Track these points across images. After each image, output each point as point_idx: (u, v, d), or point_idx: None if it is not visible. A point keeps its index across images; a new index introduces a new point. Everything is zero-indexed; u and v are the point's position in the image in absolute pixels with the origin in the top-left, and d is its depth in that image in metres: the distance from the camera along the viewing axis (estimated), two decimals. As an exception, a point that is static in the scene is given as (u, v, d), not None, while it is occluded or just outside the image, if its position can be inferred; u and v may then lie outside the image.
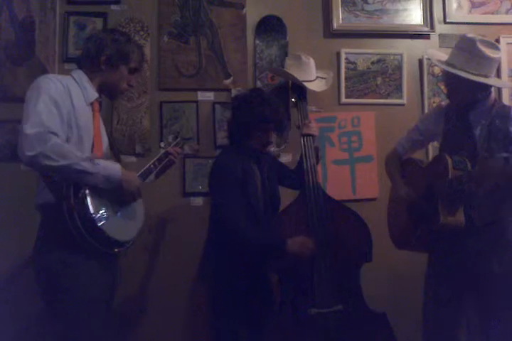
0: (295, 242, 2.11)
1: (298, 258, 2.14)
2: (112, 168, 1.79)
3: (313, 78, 2.64)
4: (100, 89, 1.93)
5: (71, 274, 1.76)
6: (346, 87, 2.88)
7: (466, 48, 2.03)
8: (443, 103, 2.35)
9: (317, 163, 2.45)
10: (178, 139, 2.31)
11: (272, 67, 2.81)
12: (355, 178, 2.85)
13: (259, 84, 2.82)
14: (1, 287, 2.60)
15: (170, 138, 2.29)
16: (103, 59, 1.90)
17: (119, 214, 1.83)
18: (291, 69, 2.59)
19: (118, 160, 2.00)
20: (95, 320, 1.79)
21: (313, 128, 2.46)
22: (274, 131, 2.20)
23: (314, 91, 2.63)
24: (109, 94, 1.98)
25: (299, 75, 2.56)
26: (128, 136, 2.72)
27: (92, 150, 1.84)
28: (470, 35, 2.07)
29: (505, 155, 1.75)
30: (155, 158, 2.09)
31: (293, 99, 2.55)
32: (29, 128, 1.67)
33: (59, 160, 1.67)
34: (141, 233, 1.95)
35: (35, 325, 2.51)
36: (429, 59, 2.87)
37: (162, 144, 2.22)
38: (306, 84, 2.58)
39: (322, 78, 2.70)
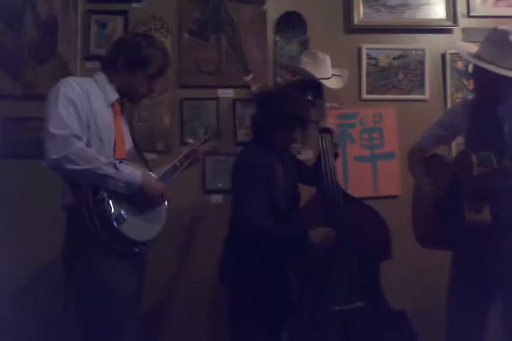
0: (317, 232, 2.10)
1: (321, 247, 2.11)
2: (134, 174, 1.80)
3: (330, 76, 2.61)
4: (120, 92, 1.93)
5: (97, 274, 1.79)
6: (367, 82, 2.85)
7: (498, 41, 1.97)
8: (469, 97, 2.30)
9: (335, 159, 2.42)
10: (207, 135, 2.31)
11: (287, 64, 2.78)
12: (377, 175, 2.82)
13: (279, 80, 2.80)
14: (28, 283, 2.65)
15: (201, 134, 2.30)
16: (121, 62, 1.91)
17: (140, 215, 1.84)
18: (308, 66, 2.56)
19: (144, 160, 2.01)
20: (124, 318, 1.82)
21: (331, 124, 2.43)
22: (299, 129, 2.18)
23: (331, 88, 2.60)
24: (128, 97, 1.98)
25: (316, 73, 2.54)
26: (148, 133, 2.73)
27: (114, 152, 1.86)
28: (502, 27, 2.01)
29: None
30: (182, 155, 2.09)
31: (309, 97, 2.52)
32: (54, 129, 1.72)
33: (82, 164, 1.71)
34: (162, 233, 1.95)
35: (60, 322, 2.56)
36: (452, 53, 2.83)
37: (191, 140, 2.22)
38: (323, 81, 2.55)
39: (337, 76, 2.67)
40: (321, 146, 2.39)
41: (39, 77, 2.69)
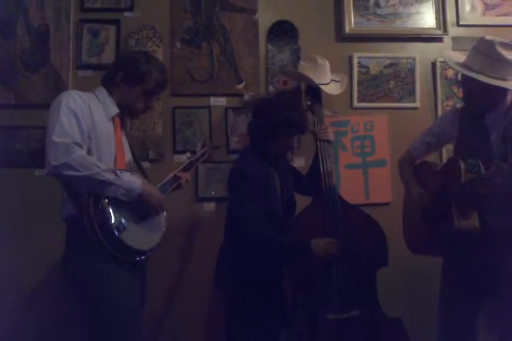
0: (320, 243, 2.08)
1: (325, 260, 2.11)
2: (134, 181, 1.82)
3: (328, 81, 2.61)
4: (119, 106, 1.96)
5: (100, 283, 1.80)
6: (359, 91, 2.87)
7: (485, 51, 1.99)
8: (458, 105, 2.32)
9: None
10: (206, 148, 2.33)
11: (286, 69, 2.79)
12: (368, 182, 2.84)
13: (271, 89, 2.81)
14: (29, 292, 2.65)
15: (198, 147, 2.32)
16: (119, 77, 1.94)
17: (140, 224, 1.86)
18: (306, 71, 2.55)
19: (143, 173, 2.03)
20: (127, 327, 1.83)
21: (330, 133, 2.45)
22: (297, 137, 2.19)
23: (328, 94, 2.60)
24: (126, 112, 2.00)
25: (314, 78, 2.53)
26: (141, 141, 2.73)
27: (114, 164, 1.88)
28: (489, 37, 2.03)
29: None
30: (180, 168, 2.12)
31: (308, 102, 2.52)
32: (56, 137, 1.74)
33: (82, 170, 1.72)
34: (162, 242, 1.97)
35: (62, 329, 2.58)
36: (442, 62, 2.85)
37: (188, 154, 2.24)
38: (322, 87, 2.54)
39: (336, 81, 2.67)
40: (320, 155, 2.39)
41: (31, 85, 2.69)
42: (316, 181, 2.36)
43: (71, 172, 1.72)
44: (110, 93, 1.95)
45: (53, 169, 1.73)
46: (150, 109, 2.10)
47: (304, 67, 2.58)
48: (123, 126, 2.02)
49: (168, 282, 2.72)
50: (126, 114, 2.02)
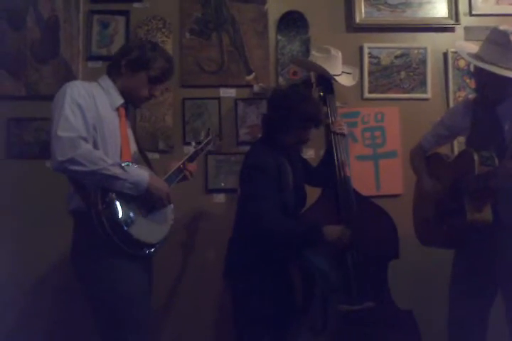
0: (334, 230, 2.08)
1: (337, 246, 2.11)
2: (141, 175, 1.82)
3: (340, 73, 2.59)
4: (123, 96, 1.95)
5: (109, 277, 1.81)
6: (369, 81, 2.84)
7: (498, 41, 1.97)
8: (470, 96, 2.30)
9: None
10: (210, 137, 2.32)
11: (299, 59, 2.75)
12: (379, 174, 2.82)
13: (281, 80, 2.80)
14: (32, 286, 2.67)
15: (202, 136, 2.32)
16: (124, 63, 1.93)
17: (147, 217, 1.86)
18: (318, 61, 2.52)
19: (148, 164, 2.03)
20: (138, 319, 1.84)
21: (344, 126, 2.43)
22: (312, 129, 2.17)
23: (339, 85, 2.58)
24: (130, 100, 1.99)
25: (326, 68, 2.50)
26: (151, 132, 2.73)
27: (120, 155, 1.87)
28: (502, 27, 2.01)
29: None
30: (185, 158, 2.11)
31: (320, 93, 2.49)
32: (61, 131, 1.73)
33: (88, 165, 1.72)
34: (169, 235, 1.97)
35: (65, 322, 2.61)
36: (454, 52, 2.82)
37: (193, 143, 2.24)
38: (336, 78, 2.52)
39: (347, 73, 2.64)
40: (334, 147, 2.38)
41: (41, 77, 2.70)
42: (328, 173, 2.35)
43: (77, 168, 1.71)
44: (114, 81, 1.94)
45: (59, 164, 1.72)
46: (154, 98, 2.07)
47: (317, 57, 2.55)
48: (127, 116, 2.00)
49: (177, 274, 2.73)
50: (130, 103, 2.00)
